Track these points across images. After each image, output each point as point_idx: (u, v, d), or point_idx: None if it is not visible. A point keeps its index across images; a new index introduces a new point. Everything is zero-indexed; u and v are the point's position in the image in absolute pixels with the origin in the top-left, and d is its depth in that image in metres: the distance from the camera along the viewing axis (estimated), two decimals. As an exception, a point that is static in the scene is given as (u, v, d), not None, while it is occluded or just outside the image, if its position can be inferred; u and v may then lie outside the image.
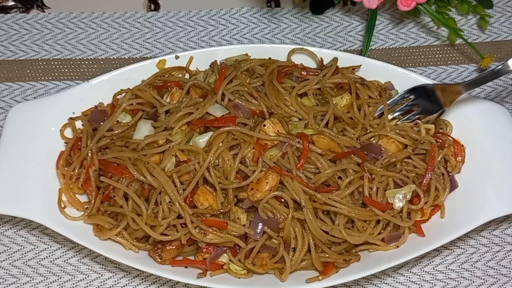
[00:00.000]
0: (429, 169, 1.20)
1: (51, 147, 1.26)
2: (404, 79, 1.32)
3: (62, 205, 1.21)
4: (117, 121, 1.25)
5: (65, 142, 1.28)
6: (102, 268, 1.27)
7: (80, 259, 1.27)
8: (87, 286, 1.25)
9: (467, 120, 1.28)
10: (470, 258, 1.28)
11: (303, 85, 1.26)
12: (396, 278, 1.26)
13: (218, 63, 1.34)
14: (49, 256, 1.28)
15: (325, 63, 1.33)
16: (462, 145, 1.27)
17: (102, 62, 1.48)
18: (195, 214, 1.15)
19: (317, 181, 1.17)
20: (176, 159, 1.18)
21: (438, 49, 1.50)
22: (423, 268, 1.27)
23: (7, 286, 1.25)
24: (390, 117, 1.26)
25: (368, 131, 1.23)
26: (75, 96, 1.30)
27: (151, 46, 1.50)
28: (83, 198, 1.24)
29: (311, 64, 1.35)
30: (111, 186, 1.18)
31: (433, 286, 1.26)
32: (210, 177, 1.16)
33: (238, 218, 1.16)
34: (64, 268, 1.27)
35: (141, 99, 1.27)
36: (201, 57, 1.35)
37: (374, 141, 1.23)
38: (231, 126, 1.19)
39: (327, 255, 1.16)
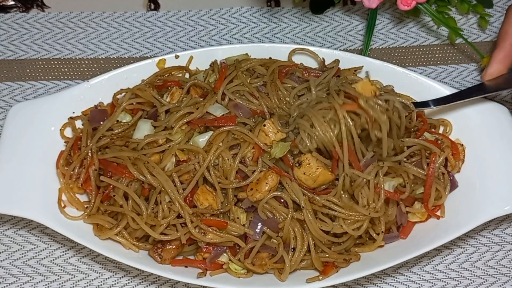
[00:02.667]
0: (430, 178, 1.20)
1: (51, 146, 1.26)
2: (404, 78, 1.32)
3: (62, 205, 1.21)
4: (117, 121, 1.25)
5: (65, 142, 1.28)
6: (102, 267, 1.27)
7: (80, 258, 1.28)
8: (87, 285, 1.25)
9: (467, 120, 1.28)
10: (470, 258, 1.29)
11: (303, 86, 1.25)
12: (396, 278, 1.27)
13: (218, 62, 1.34)
14: (49, 255, 1.28)
15: (326, 63, 1.33)
16: (462, 145, 1.27)
17: (102, 62, 1.48)
18: (195, 214, 1.15)
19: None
20: (176, 158, 1.18)
21: (438, 48, 1.50)
22: (423, 267, 1.28)
23: (7, 285, 1.25)
24: None
25: None
26: (75, 95, 1.29)
27: (151, 45, 1.50)
28: (83, 198, 1.24)
29: (312, 64, 1.35)
30: (111, 186, 1.18)
31: (433, 286, 1.26)
32: (209, 176, 1.16)
33: (237, 218, 1.16)
34: (64, 267, 1.27)
35: (141, 99, 1.27)
36: (201, 56, 1.35)
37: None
38: (231, 125, 1.19)
39: (327, 255, 1.16)
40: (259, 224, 1.15)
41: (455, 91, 1.29)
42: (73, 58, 1.48)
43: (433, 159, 1.20)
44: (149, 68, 1.33)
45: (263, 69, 1.29)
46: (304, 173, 1.14)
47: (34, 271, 1.27)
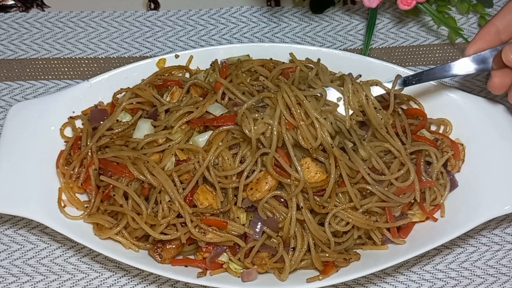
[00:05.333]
0: (420, 181, 1.20)
1: (51, 146, 1.26)
2: (404, 78, 1.32)
3: (62, 204, 1.21)
4: (117, 120, 1.25)
5: (65, 141, 1.28)
6: (102, 267, 1.27)
7: (80, 258, 1.28)
8: (87, 285, 1.25)
9: (467, 119, 1.28)
10: (470, 257, 1.29)
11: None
12: (396, 277, 1.27)
13: (219, 62, 1.34)
14: (49, 255, 1.28)
15: (326, 62, 1.33)
16: (462, 144, 1.27)
17: (102, 61, 1.48)
18: (195, 213, 1.15)
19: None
20: (175, 158, 1.18)
21: (438, 48, 1.50)
22: (423, 267, 1.28)
23: (7, 285, 1.25)
24: None
25: None
26: (75, 95, 1.29)
27: (151, 45, 1.50)
28: (83, 197, 1.24)
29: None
30: (111, 185, 1.18)
31: (433, 285, 1.26)
32: (209, 176, 1.16)
33: (237, 217, 1.16)
34: (64, 267, 1.27)
35: (141, 98, 1.27)
36: (201, 56, 1.35)
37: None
38: (230, 125, 1.18)
39: (327, 255, 1.16)
40: (259, 223, 1.15)
41: (456, 90, 1.29)
42: (73, 57, 1.48)
43: (419, 158, 1.21)
44: (149, 67, 1.33)
45: (265, 70, 1.29)
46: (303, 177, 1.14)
47: (34, 270, 1.27)
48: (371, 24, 1.46)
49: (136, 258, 1.18)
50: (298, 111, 1.13)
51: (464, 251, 1.29)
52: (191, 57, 1.35)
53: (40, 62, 1.47)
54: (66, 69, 1.47)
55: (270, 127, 1.12)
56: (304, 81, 1.22)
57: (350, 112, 1.17)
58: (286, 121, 1.13)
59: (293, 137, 1.13)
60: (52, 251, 1.28)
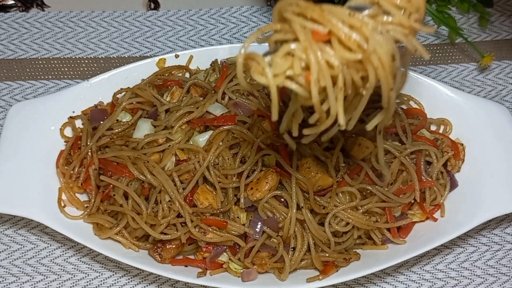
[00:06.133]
0: (420, 181, 1.20)
1: (51, 146, 1.26)
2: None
3: (62, 204, 1.21)
4: (117, 120, 1.25)
5: (65, 141, 1.28)
6: (102, 267, 1.27)
7: (80, 258, 1.28)
8: (87, 285, 1.25)
9: (467, 119, 1.28)
10: (470, 257, 1.29)
11: None
12: (396, 277, 1.27)
13: (219, 62, 1.34)
14: (49, 255, 1.28)
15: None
16: (462, 144, 1.27)
17: (102, 61, 1.48)
18: (195, 213, 1.15)
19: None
20: (176, 158, 1.18)
21: (438, 48, 1.50)
22: (423, 267, 1.28)
23: (7, 285, 1.25)
24: None
25: None
26: (75, 95, 1.29)
27: (151, 45, 1.50)
28: (83, 197, 1.24)
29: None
30: (111, 185, 1.18)
31: (433, 285, 1.26)
32: (210, 176, 1.16)
33: (237, 217, 1.16)
34: (64, 267, 1.27)
35: (141, 98, 1.27)
36: (201, 56, 1.35)
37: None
38: (230, 125, 1.18)
39: (327, 255, 1.16)
40: (259, 223, 1.15)
41: (456, 90, 1.30)
42: (73, 57, 1.48)
43: (419, 158, 1.20)
44: (149, 67, 1.33)
45: None
46: (303, 177, 1.14)
47: (34, 270, 1.27)
48: (371, 24, 1.46)
49: (136, 258, 1.18)
50: (320, 9, 0.77)
51: (464, 251, 1.29)
52: (191, 57, 1.35)
53: (40, 62, 1.47)
54: (66, 69, 1.47)
55: (298, 53, 0.76)
56: None
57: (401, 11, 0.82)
58: (312, 31, 0.76)
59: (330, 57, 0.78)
60: (52, 251, 1.28)
